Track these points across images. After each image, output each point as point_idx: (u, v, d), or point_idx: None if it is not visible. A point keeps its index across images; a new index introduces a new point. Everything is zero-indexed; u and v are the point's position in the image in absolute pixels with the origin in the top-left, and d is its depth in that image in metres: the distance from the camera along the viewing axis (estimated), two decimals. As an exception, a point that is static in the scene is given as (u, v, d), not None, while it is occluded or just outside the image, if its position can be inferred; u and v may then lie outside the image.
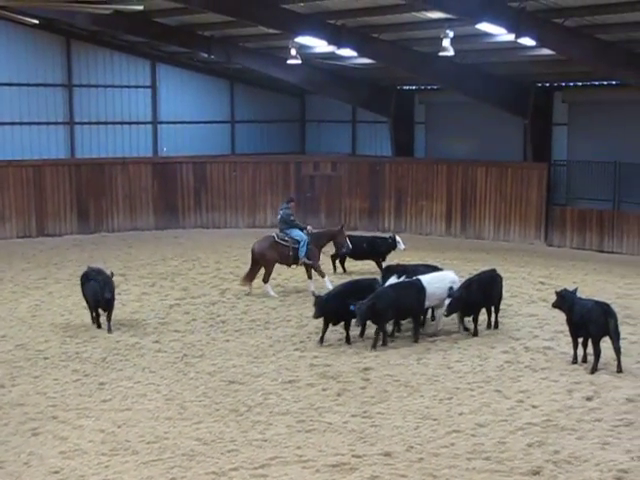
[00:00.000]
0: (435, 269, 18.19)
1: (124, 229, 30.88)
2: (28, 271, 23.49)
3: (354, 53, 25.61)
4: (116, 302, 17.40)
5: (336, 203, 32.11)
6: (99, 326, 17.19)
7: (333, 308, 16.01)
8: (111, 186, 30.82)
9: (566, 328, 14.92)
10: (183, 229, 31.54)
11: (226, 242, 28.48)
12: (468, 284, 16.82)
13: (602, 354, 14.17)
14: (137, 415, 12.49)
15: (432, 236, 30.00)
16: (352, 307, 15.59)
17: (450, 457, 10.88)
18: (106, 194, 30.76)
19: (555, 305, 15.00)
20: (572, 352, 14.73)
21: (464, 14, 20.40)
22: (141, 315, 18.57)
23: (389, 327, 16.51)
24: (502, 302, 17.51)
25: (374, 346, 15.72)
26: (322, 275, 20.63)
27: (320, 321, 16.38)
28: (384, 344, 15.93)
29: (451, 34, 21.07)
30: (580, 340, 14.58)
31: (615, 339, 14.05)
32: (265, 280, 20.44)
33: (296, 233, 20.62)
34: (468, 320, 16.85)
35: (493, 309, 17.15)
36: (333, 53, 25.85)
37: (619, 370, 14.10)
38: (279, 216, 21.05)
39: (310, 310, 17.05)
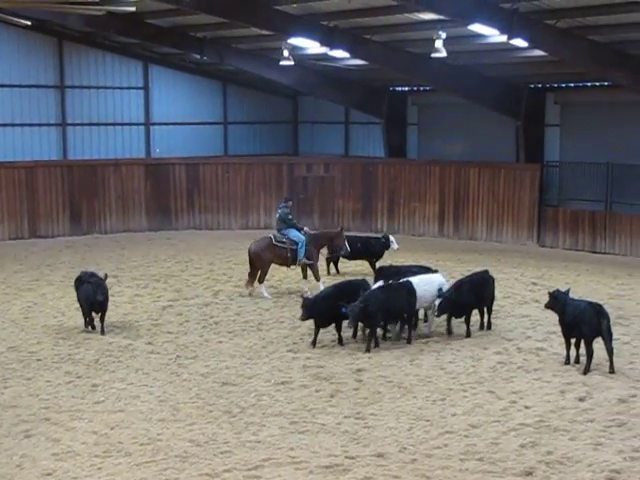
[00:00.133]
0: (428, 270, 18.18)
1: (117, 230, 30.84)
2: (20, 273, 23.45)
3: (347, 54, 25.62)
4: (109, 304, 17.35)
5: (329, 204, 32.12)
6: (92, 327, 17.10)
7: (321, 310, 15.97)
8: (104, 187, 30.78)
9: (559, 329, 14.95)
10: (176, 230, 31.51)
11: (219, 243, 28.47)
12: (459, 285, 16.83)
13: (594, 355, 14.19)
14: (130, 417, 12.47)
15: (425, 237, 30.02)
16: (344, 310, 15.60)
17: (443, 458, 10.89)
18: (99, 195, 30.73)
19: (548, 306, 15.02)
20: (565, 353, 14.76)
21: (456, 15, 20.44)
22: (134, 317, 18.54)
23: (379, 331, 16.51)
24: (495, 303, 17.51)
25: (368, 349, 15.72)
26: (317, 278, 20.61)
27: (313, 322, 16.37)
28: (376, 345, 15.94)
29: (443, 35, 21.09)
30: (573, 341, 14.60)
31: (607, 340, 14.07)
32: (260, 280, 20.41)
33: (294, 234, 20.55)
34: (461, 322, 16.85)
35: (485, 310, 17.16)
36: (326, 54, 25.86)
37: (611, 371, 14.12)
38: (277, 215, 20.98)
39: (303, 312, 17.04)
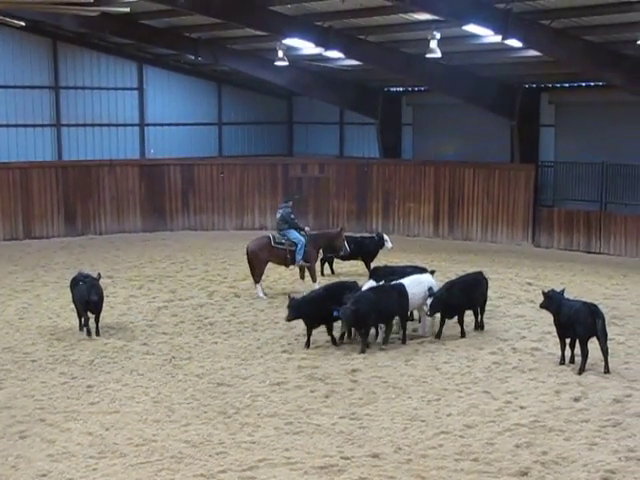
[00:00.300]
0: (423, 271, 18.15)
1: (111, 231, 30.79)
2: (15, 274, 23.41)
3: (341, 55, 25.61)
4: (104, 304, 17.30)
5: (324, 205, 32.11)
6: (88, 332, 16.85)
7: (308, 311, 15.92)
8: (98, 188, 30.73)
9: (554, 329, 14.97)
10: (171, 231, 31.49)
11: (214, 244, 28.44)
12: (450, 285, 16.82)
13: (589, 355, 14.20)
14: (125, 418, 12.45)
15: (420, 237, 30.01)
16: (335, 312, 15.55)
17: (438, 458, 10.90)
18: (93, 196, 30.68)
19: (543, 306, 15.04)
20: (560, 353, 14.77)
21: (451, 15, 20.44)
22: (129, 317, 18.52)
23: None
24: (490, 303, 17.51)
25: (363, 350, 15.70)
26: (314, 279, 20.59)
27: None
28: (367, 346, 15.87)
29: (438, 35, 21.08)
30: (568, 341, 14.62)
31: (602, 340, 14.08)
32: (256, 280, 20.39)
33: (294, 235, 20.46)
34: (455, 322, 16.84)
35: (479, 310, 17.14)
36: (320, 55, 25.86)
37: (606, 371, 14.14)
38: (279, 215, 20.83)
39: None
